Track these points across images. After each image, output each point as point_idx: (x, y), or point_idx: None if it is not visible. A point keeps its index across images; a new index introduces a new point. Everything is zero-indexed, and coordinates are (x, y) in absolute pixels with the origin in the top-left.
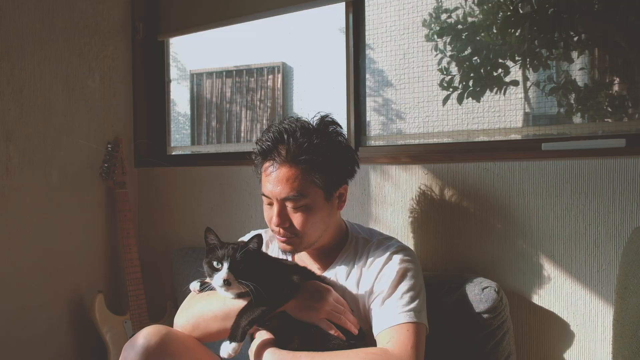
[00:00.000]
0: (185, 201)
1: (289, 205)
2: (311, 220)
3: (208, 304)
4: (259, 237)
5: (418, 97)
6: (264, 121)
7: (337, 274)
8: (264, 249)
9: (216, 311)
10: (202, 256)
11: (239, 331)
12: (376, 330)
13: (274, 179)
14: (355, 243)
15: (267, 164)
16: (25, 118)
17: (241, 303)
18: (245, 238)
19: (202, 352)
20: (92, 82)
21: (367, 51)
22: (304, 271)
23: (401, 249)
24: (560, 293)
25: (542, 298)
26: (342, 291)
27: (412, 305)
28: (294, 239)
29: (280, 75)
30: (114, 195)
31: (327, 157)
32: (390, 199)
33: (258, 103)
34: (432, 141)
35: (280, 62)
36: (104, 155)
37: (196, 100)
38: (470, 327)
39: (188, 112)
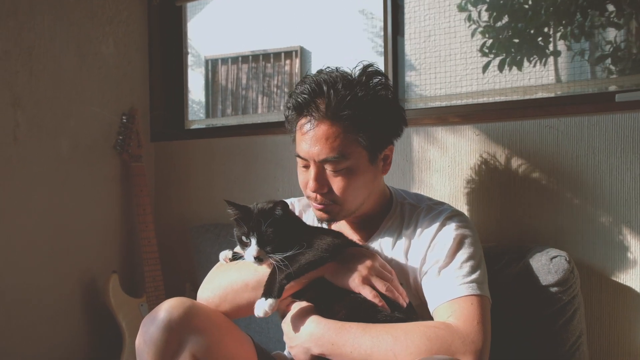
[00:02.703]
0: (204, 176)
1: (328, 168)
2: (353, 185)
3: (237, 273)
4: (282, 204)
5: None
6: (281, 108)
7: (382, 244)
8: None
9: (248, 279)
10: (224, 232)
11: (276, 286)
12: (433, 304)
13: (311, 138)
14: (401, 209)
15: (302, 121)
16: (34, 83)
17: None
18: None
19: (231, 328)
20: (106, 48)
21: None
22: (344, 238)
23: (456, 214)
24: (638, 266)
25: (617, 272)
26: (388, 262)
27: (474, 275)
28: (332, 206)
29: (298, 60)
30: (129, 170)
31: (372, 113)
32: (436, 164)
33: (275, 89)
34: (484, 101)
35: (298, 45)
36: (119, 126)
37: (211, 87)
38: (536, 303)
39: (203, 99)
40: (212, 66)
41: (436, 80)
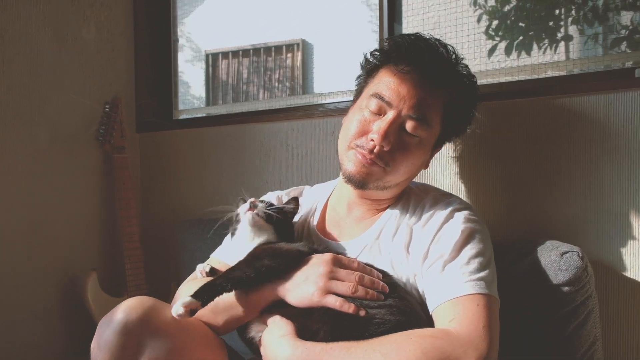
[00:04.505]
0: (193, 167)
1: (408, 126)
2: (412, 158)
3: None
4: (295, 201)
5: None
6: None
7: (382, 233)
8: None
9: (217, 300)
10: (210, 228)
11: (207, 291)
12: (434, 303)
13: (409, 83)
14: (406, 197)
15: (401, 66)
16: (8, 67)
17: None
18: (266, 198)
19: (200, 332)
20: (87, 33)
21: None
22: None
23: (465, 206)
24: None
25: (636, 269)
26: (388, 257)
27: (482, 273)
28: (379, 168)
29: (300, 53)
30: (111, 162)
31: (467, 98)
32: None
33: (276, 84)
34: (487, 81)
35: (299, 38)
36: (101, 116)
37: (212, 81)
38: (545, 304)
39: (203, 94)
40: (212, 60)
41: None
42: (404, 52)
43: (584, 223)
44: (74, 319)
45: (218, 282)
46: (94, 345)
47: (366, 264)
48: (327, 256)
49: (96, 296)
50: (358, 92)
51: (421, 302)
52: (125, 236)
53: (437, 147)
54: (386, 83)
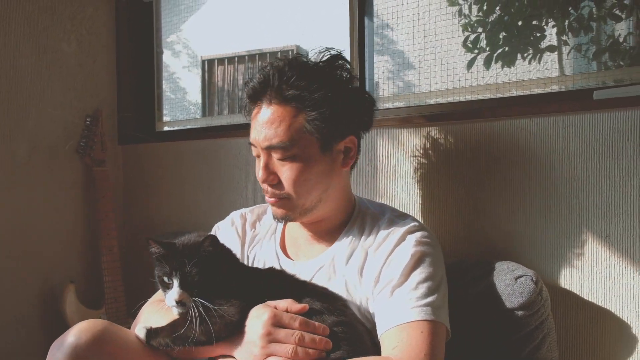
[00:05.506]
0: (174, 181)
1: (275, 155)
2: (303, 175)
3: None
4: (212, 239)
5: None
6: None
7: (336, 256)
8: (248, 230)
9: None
10: None
11: (154, 341)
12: (381, 329)
13: (257, 123)
14: (362, 219)
15: (255, 110)
16: None
17: None
18: (221, 225)
19: (154, 356)
20: (68, 47)
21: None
22: (272, 280)
23: (419, 228)
24: (618, 285)
25: (594, 292)
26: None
27: (430, 299)
28: (284, 200)
29: None
30: (91, 174)
31: (325, 95)
32: (401, 170)
33: None
34: (453, 99)
35: (294, 45)
36: (82, 129)
37: (207, 87)
38: (501, 327)
39: (199, 100)
40: (208, 67)
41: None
42: (251, 97)
43: (543, 245)
44: (54, 329)
45: (165, 342)
46: None
47: (321, 287)
48: (265, 315)
49: (73, 308)
50: None
51: (372, 328)
52: (104, 249)
53: (329, 147)
54: (251, 131)
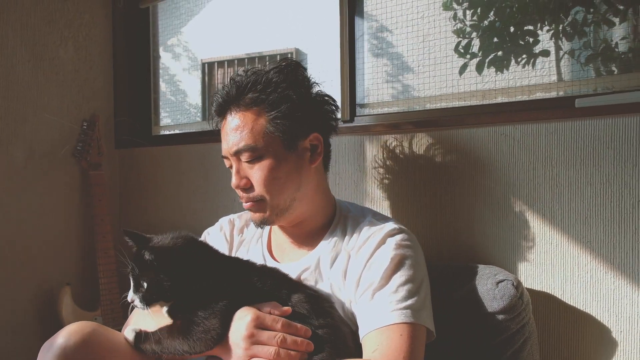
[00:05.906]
0: (170, 185)
1: (244, 159)
2: (272, 174)
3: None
4: (185, 238)
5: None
6: None
7: (321, 260)
8: (235, 235)
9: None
10: None
11: (142, 345)
12: (363, 332)
13: (225, 133)
14: (343, 222)
15: (222, 122)
16: None
17: None
18: (211, 230)
19: (142, 357)
20: (65, 53)
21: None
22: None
23: (399, 231)
24: (599, 290)
25: (575, 296)
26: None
27: (410, 301)
28: (259, 203)
29: None
30: (88, 178)
31: (281, 94)
32: (389, 175)
33: None
34: (440, 105)
35: (293, 48)
36: (79, 134)
37: (207, 90)
38: (482, 331)
39: (200, 103)
40: (208, 69)
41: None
42: (219, 112)
43: (526, 251)
44: (50, 331)
45: (151, 349)
46: None
47: (309, 287)
48: (249, 317)
49: (69, 310)
50: None
51: (357, 329)
52: (100, 251)
53: (294, 145)
54: (222, 140)
